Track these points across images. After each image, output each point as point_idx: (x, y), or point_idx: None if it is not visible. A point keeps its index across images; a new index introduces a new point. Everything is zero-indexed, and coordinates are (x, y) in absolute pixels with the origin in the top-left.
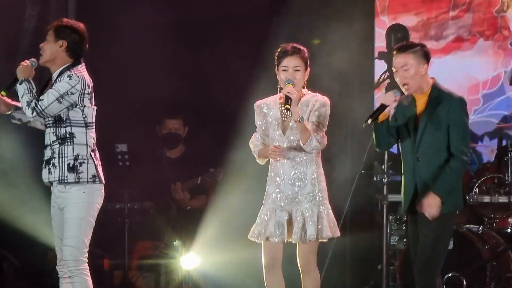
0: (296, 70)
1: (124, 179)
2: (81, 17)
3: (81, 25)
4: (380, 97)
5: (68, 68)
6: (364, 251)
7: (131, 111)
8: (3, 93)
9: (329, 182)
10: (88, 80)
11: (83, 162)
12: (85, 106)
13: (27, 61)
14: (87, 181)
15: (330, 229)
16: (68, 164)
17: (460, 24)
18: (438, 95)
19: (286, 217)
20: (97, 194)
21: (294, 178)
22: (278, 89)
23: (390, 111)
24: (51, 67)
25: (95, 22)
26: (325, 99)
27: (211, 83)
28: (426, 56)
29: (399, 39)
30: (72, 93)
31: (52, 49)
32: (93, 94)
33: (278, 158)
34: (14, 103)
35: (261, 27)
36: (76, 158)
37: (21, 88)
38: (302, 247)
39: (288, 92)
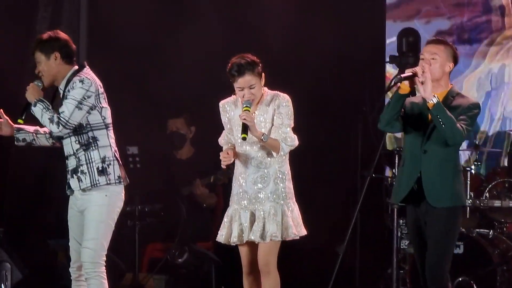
0: (252, 88)
1: (135, 181)
2: (93, 18)
3: (57, 31)
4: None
5: (74, 74)
6: (374, 255)
7: (141, 113)
8: (20, 121)
9: (339, 186)
10: (98, 81)
11: (110, 164)
12: (102, 107)
13: (32, 84)
14: (115, 182)
15: (295, 228)
16: (97, 168)
17: (494, 28)
18: (456, 95)
19: (249, 217)
20: (118, 197)
21: (257, 177)
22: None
23: (413, 85)
24: (56, 81)
25: (106, 23)
26: (286, 97)
27: (221, 82)
28: (454, 57)
29: (411, 43)
30: (89, 96)
31: (50, 67)
32: (105, 94)
33: (224, 166)
34: (16, 125)
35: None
36: (103, 160)
37: (37, 110)
38: (262, 247)
39: (244, 119)
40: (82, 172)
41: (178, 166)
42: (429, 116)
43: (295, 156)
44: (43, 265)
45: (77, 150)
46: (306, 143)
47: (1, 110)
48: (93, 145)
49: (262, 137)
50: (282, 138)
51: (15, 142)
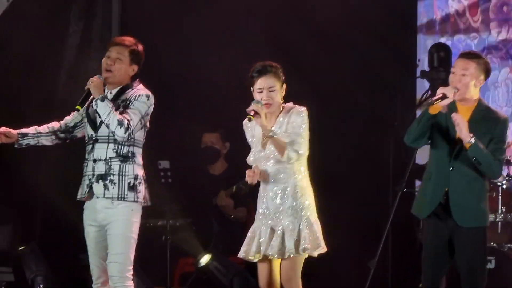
0: (271, 91)
1: (166, 196)
2: (125, 32)
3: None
4: (440, 88)
5: (129, 86)
6: (406, 270)
7: (173, 127)
8: (78, 107)
9: (370, 201)
10: None
11: (140, 183)
12: (147, 126)
13: (97, 77)
14: (141, 202)
15: (311, 243)
16: (129, 183)
17: None
18: (485, 110)
19: (268, 233)
20: (140, 213)
21: (276, 192)
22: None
23: (445, 104)
24: (112, 84)
25: (138, 36)
26: (301, 109)
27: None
28: (486, 71)
29: (442, 58)
30: (148, 114)
31: (126, 71)
32: None
33: (252, 182)
34: (17, 131)
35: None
36: (136, 177)
37: (104, 106)
38: (283, 263)
39: (253, 110)
40: (111, 181)
41: (210, 181)
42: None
43: (326, 171)
44: (74, 280)
45: (110, 158)
46: (338, 157)
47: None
48: (130, 159)
49: (271, 133)
50: (289, 142)
51: (16, 146)
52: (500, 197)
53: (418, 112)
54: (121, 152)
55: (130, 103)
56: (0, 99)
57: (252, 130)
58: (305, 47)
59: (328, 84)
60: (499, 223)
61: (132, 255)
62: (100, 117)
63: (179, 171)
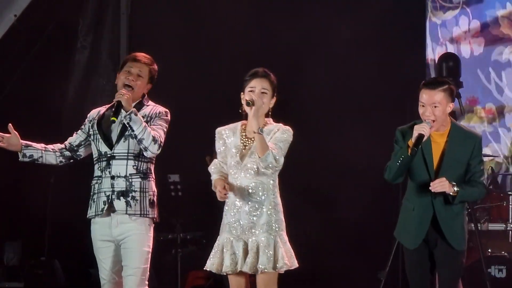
0: (263, 93)
1: (176, 209)
2: (134, 46)
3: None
4: (415, 127)
5: (142, 103)
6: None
7: (183, 140)
8: (114, 119)
9: (380, 213)
10: None
11: (156, 199)
12: None
13: (127, 91)
14: (155, 218)
15: (288, 259)
16: (149, 200)
17: None
18: (460, 133)
19: (242, 247)
20: (153, 227)
21: (251, 207)
22: (243, 111)
23: (424, 141)
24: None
25: (146, 51)
26: (287, 128)
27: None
28: (452, 95)
29: (450, 68)
30: (165, 132)
31: (143, 89)
32: None
33: (221, 199)
34: (24, 142)
35: None
36: (154, 194)
37: (139, 120)
38: (260, 278)
39: (251, 98)
40: (133, 198)
41: None
42: (434, 159)
43: (335, 181)
44: None
45: (131, 175)
46: (347, 170)
47: (11, 124)
48: (149, 176)
49: (259, 129)
50: (272, 146)
51: (20, 158)
52: (510, 206)
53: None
54: (141, 169)
55: (152, 120)
56: (7, 115)
57: (227, 139)
58: (311, 59)
59: (337, 93)
60: (510, 232)
61: (148, 269)
62: (133, 131)
63: (189, 185)
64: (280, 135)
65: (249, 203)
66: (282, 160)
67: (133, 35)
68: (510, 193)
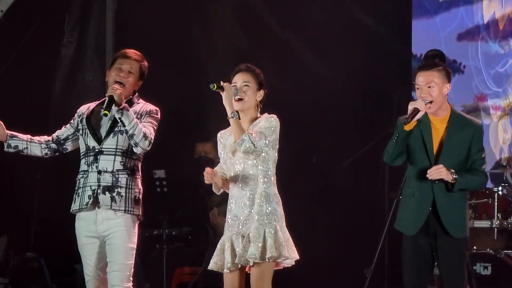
0: (246, 85)
1: (162, 205)
2: (119, 42)
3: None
4: (411, 102)
5: (132, 100)
6: (402, 277)
7: (168, 137)
8: (106, 112)
9: (366, 208)
10: None
11: (141, 198)
12: None
13: (120, 86)
14: (139, 215)
15: (276, 249)
16: (135, 197)
17: None
18: (460, 119)
19: (241, 242)
20: (137, 225)
21: (245, 200)
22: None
23: (419, 118)
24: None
25: (132, 47)
26: (270, 115)
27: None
28: (448, 76)
29: None
30: (155, 129)
31: (134, 86)
32: None
33: (208, 181)
34: (9, 132)
35: None
36: (140, 192)
37: (130, 116)
38: (253, 272)
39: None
40: (118, 193)
41: (205, 190)
42: (434, 144)
43: (321, 177)
44: None
45: (118, 170)
46: (334, 164)
47: None
48: (136, 173)
49: (232, 114)
50: (248, 132)
51: (5, 148)
52: (496, 203)
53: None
54: (128, 166)
55: (142, 117)
56: None
57: (224, 140)
58: (300, 51)
59: (323, 90)
60: (495, 229)
61: (132, 265)
62: (124, 126)
63: (174, 181)
64: (263, 123)
65: (243, 196)
66: (261, 144)
67: (120, 31)
68: (496, 190)
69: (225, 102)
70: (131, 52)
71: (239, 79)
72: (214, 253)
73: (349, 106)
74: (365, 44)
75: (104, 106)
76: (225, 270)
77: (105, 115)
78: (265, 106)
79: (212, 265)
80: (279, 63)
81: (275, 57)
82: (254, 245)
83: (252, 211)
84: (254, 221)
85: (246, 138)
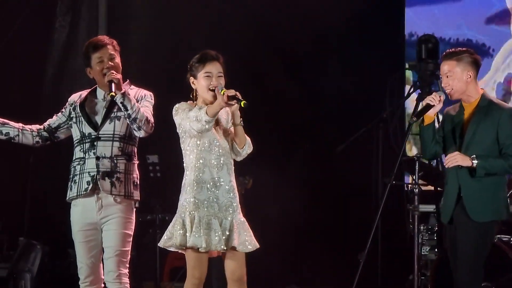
0: (220, 76)
1: (155, 190)
2: (112, 27)
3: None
4: (426, 98)
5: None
6: (396, 262)
7: (161, 121)
8: (113, 94)
9: (360, 193)
10: None
11: (139, 182)
12: None
13: (117, 75)
14: (138, 200)
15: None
16: (133, 182)
17: None
18: (487, 105)
19: (221, 225)
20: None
21: (230, 186)
22: (194, 96)
23: (435, 112)
24: (104, 86)
25: (125, 32)
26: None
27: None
28: (473, 63)
29: (430, 49)
30: (152, 113)
31: (120, 65)
32: None
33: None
34: (0, 119)
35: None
36: (137, 177)
37: (132, 100)
38: (238, 259)
39: (236, 94)
40: (118, 179)
41: None
42: (463, 128)
43: (315, 164)
44: (64, 275)
45: (116, 156)
46: (327, 150)
47: None
48: (133, 159)
49: (241, 121)
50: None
51: None
52: None
53: (408, 104)
54: (126, 151)
55: (138, 102)
56: None
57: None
58: (292, 40)
59: (316, 77)
60: None
61: (129, 252)
62: (126, 110)
63: (167, 166)
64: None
65: (229, 181)
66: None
67: (112, 15)
68: None
69: (236, 112)
70: (98, 40)
71: (213, 68)
72: (194, 231)
73: (342, 91)
74: (357, 28)
75: (108, 90)
76: (216, 249)
77: (112, 96)
78: (259, 91)
79: (199, 243)
80: (270, 47)
81: (267, 44)
82: (248, 233)
83: (235, 199)
84: (238, 211)
85: (247, 145)
